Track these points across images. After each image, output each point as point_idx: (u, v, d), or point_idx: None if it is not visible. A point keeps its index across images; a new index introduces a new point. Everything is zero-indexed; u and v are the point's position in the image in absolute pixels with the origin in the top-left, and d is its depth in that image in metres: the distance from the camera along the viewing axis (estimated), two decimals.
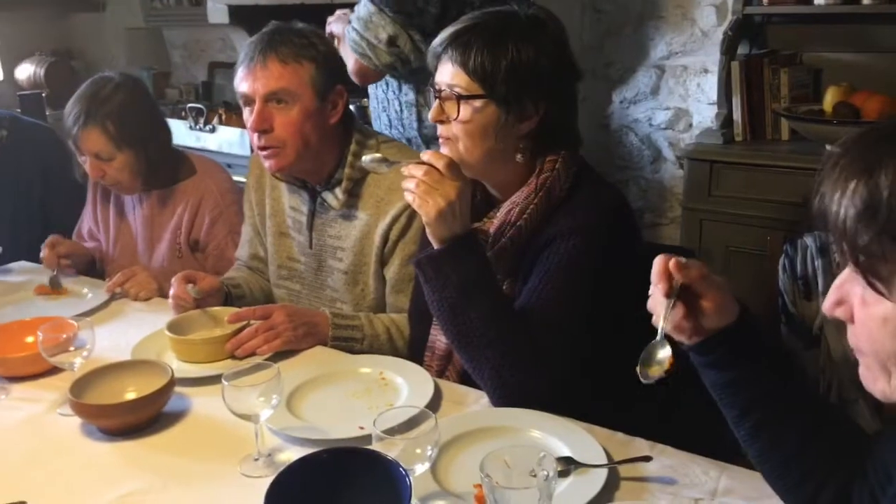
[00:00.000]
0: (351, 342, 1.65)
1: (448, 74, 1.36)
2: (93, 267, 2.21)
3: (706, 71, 2.89)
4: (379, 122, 2.24)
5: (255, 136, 1.69)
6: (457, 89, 1.34)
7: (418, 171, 1.32)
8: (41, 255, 2.02)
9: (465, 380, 1.46)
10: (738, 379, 1.00)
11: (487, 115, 1.35)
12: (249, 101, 1.68)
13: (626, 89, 3.08)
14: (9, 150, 2.32)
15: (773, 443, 0.99)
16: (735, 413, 1.01)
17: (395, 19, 1.96)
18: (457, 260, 1.33)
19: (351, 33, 2.02)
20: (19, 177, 2.26)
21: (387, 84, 2.16)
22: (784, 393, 0.99)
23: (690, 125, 2.98)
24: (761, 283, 2.43)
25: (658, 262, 0.99)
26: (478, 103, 1.34)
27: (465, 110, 1.35)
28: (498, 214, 1.42)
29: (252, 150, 1.95)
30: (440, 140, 1.41)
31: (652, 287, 1.00)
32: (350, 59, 2.01)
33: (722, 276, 1.64)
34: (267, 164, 1.72)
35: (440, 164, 1.32)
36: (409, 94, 2.11)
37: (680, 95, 2.98)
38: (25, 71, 4.39)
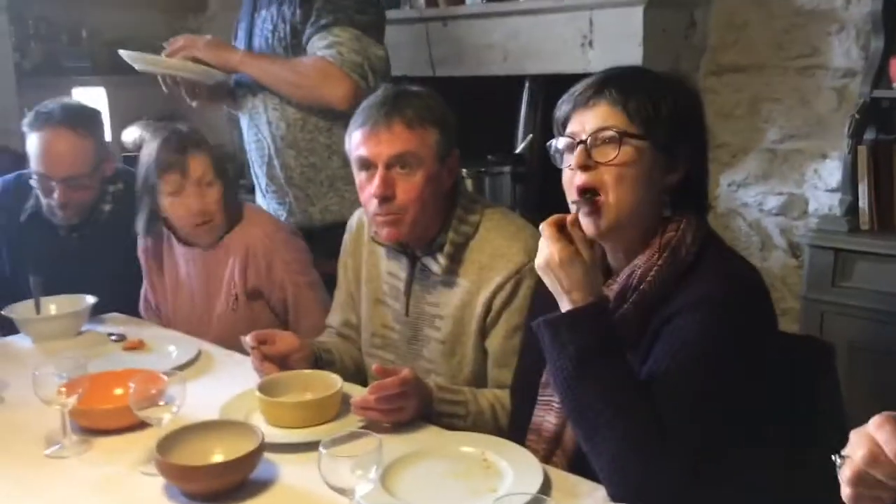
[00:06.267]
0: (454, 419, 1.53)
1: (600, 117, 1.27)
2: None
3: (824, 156, 2.75)
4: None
5: (375, 202, 1.62)
6: (615, 129, 1.26)
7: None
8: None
9: (575, 468, 1.32)
10: None
11: (645, 160, 1.27)
12: (369, 165, 1.62)
13: (736, 172, 2.95)
14: (123, 202, 2.33)
15: None
16: None
17: (378, 40, 2.23)
18: (577, 327, 1.22)
19: (350, 55, 2.15)
20: (128, 230, 2.26)
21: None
22: None
23: (805, 212, 2.82)
24: (890, 388, 2.23)
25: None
26: (640, 144, 1.26)
27: (626, 151, 1.26)
28: (618, 279, 1.31)
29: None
30: (579, 195, 1.29)
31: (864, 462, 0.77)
32: (342, 84, 2.13)
33: (846, 377, 1.50)
34: (384, 231, 1.66)
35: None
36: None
37: (794, 181, 2.83)
38: (132, 134, 4.55)
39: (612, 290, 1.31)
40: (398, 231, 1.65)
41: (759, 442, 1.26)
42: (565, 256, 1.23)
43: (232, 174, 2.14)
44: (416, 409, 1.49)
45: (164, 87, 2.31)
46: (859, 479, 0.78)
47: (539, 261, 1.27)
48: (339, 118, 2.18)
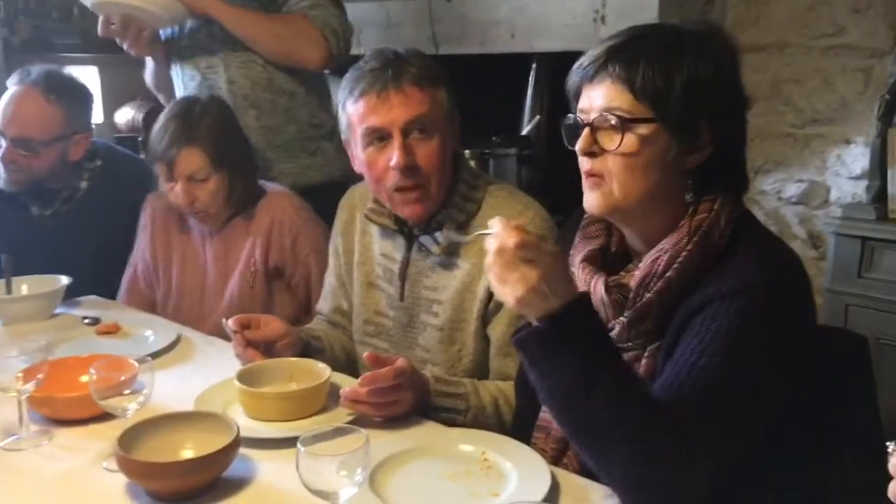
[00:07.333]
0: (453, 413, 1.40)
1: (605, 96, 1.13)
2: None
3: (848, 142, 2.61)
4: None
5: (397, 175, 1.48)
6: (618, 112, 1.11)
7: (491, 246, 1.06)
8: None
9: (587, 471, 1.18)
10: None
11: (656, 144, 1.12)
12: (383, 135, 1.48)
13: (754, 158, 2.81)
14: (101, 180, 2.23)
15: None
16: None
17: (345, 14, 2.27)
18: (570, 336, 1.06)
19: (331, 20, 2.17)
20: (108, 208, 2.16)
21: None
22: None
23: (826, 201, 2.69)
24: None
25: None
26: (646, 129, 1.11)
27: (630, 139, 1.11)
28: (641, 265, 1.17)
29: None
30: (585, 177, 1.16)
31: None
32: (320, 46, 2.15)
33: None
34: (408, 210, 1.52)
35: (511, 244, 1.04)
36: None
37: (816, 168, 2.69)
38: (124, 115, 4.44)
39: (633, 276, 1.18)
40: (424, 206, 1.52)
41: (792, 443, 1.14)
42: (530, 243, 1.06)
43: (239, 161, 1.97)
44: (410, 403, 1.36)
45: (100, 29, 2.13)
46: None
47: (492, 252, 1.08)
48: (303, 84, 2.25)
